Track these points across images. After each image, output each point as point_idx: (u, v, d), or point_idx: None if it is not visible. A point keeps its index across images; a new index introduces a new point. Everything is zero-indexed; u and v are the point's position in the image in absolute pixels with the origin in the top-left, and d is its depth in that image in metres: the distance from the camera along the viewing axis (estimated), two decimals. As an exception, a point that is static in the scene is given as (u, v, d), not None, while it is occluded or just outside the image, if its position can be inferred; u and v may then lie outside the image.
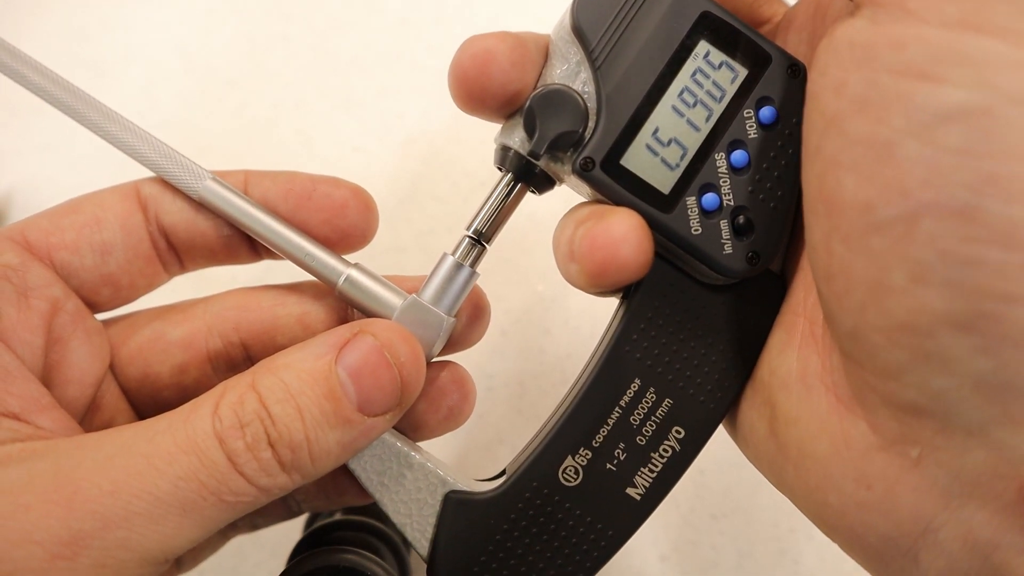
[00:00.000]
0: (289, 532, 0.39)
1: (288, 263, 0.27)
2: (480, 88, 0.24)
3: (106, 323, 0.28)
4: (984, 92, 0.18)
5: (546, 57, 0.25)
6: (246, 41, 0.51)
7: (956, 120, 0.18)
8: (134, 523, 0.20)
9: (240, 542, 0.40)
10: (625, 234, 0.23)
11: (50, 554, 0.20)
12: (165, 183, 0.27)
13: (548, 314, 0.45)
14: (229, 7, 0.52)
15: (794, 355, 0.23)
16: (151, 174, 0.27)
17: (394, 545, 0.35)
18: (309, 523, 0.38)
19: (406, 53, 0.50)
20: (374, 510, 0.37)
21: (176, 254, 0.28)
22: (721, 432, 0.41)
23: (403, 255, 0.45)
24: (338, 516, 0.36)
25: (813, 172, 0.21)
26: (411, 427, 0.27)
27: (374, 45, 0.51)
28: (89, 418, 0.27)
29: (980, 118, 0.18)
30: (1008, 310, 0.18)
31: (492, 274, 0.46)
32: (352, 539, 0.34)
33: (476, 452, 0.43)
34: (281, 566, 0.30)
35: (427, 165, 0.48)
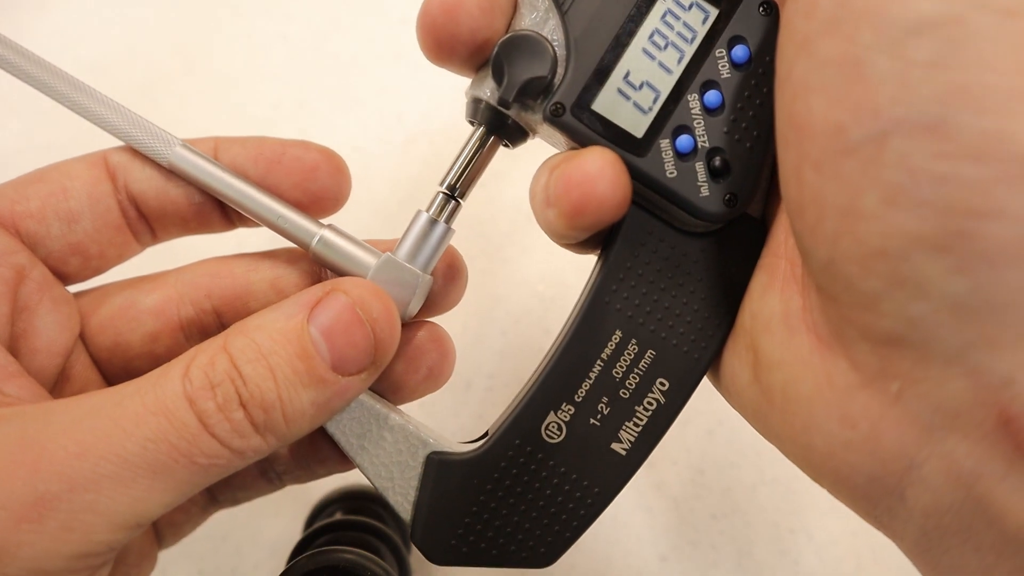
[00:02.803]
0: (289, 532, 0.40)
1: (270, 239, 0.26)
2: (449, 35, 0.23)
3: (77, 294, 0.28)
4: (954, 1, 0.17)
5: (515, 7, 0.24)
6: (246, 41, 0.51)
7: (926, 32, 0.17)
8: (102, 486, 0.20)
9: (240, 542, 0.40)
10: (601, 169, 0.23)
11: (15, 517, 0.20)
12: (135, 152, 0.26)
13: (548, 314, 0.45)
14: (229, 7, 0.52)
15: (776, 297, 0.23)
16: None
17: (394, 545, 0.35)
18: (309, 523, 0.38)
19: (406, 53, 0.50)
20: (374, 510, 0.37)
21: (147, 223, 0.27)
22: (721, 433, 0.42)
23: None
24: (338, 516, 0.36)
25: (784, 100, 0.21)
26: (391, 389, 0.27)
27: (374, 45, 0.51)
28: (59, 388, 0.27)
29: (950, 28, 0.17)
30: (982, 226, 0.17)
31: (492, 274, 0.46)
32: (352, 539, 0.34)
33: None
34: (281, 566, 0.30)
35: (427, 165, 0.48)
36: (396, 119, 0.49)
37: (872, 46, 0.18)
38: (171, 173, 0.26)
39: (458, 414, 0.43)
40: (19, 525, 0.20)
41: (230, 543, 0.40)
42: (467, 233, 0.46)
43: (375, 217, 0.46)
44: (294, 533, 0.38)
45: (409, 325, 0.27)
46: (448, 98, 0.49)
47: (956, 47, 0.17)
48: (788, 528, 0.42)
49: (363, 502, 0.37)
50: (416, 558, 0.38)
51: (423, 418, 0.43)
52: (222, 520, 0.31)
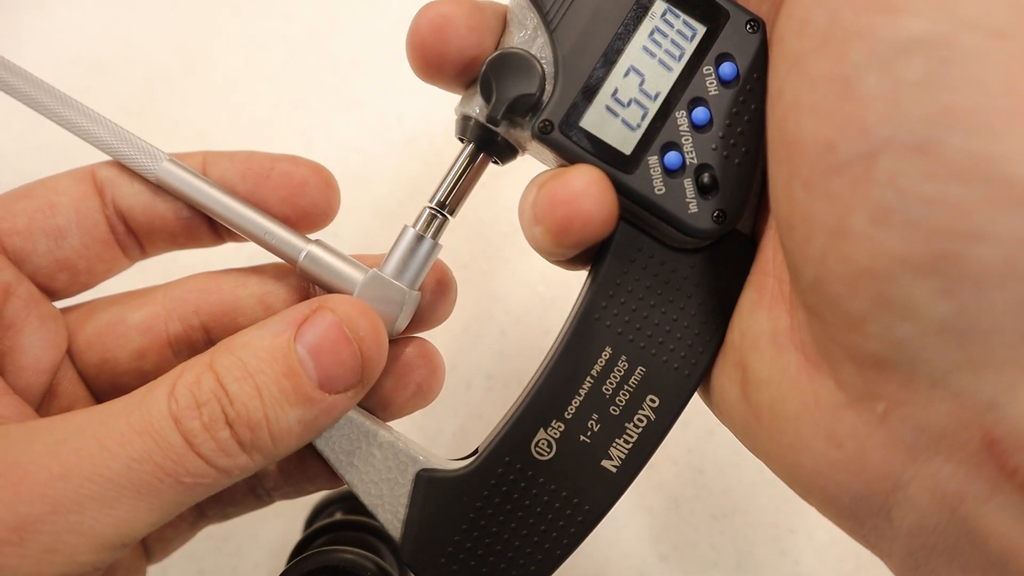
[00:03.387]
0: (289, 532, 0.40)
1: (261, 252, 0.26)
2: (437, 54, 0.23)
3: (65, 310, 0.28)
4: (943, 20, 0.17)
5: (504, 25, 0.24)
6: (246, 41, 0.51)
7: (915, 51, 0.17)
8: (86, 507, 0.20)
9: (240, 542, 0.40)
10: (586, 187, 0.23)
11: None
12: (122, 166, 0.26)
13: (548, 314, 0.45)
14: (229, 7, 0.52)
15: (764, 315, 0.23)
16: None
17: (394, 545, 0.35)
18: (309, 523, 0.38)
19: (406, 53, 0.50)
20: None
21: (136, 238, 0.27)
22: (721, 433, 0.41)
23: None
24: (338, 516, 0.36)
25: (775, 117, 0.21)
26: (379, 406, 0.27)
27: (374, 45, 0.51)
28: (46, 405, 0.26)
29: (939, 48, 0.17)
30: (968, 248, 0.17)
31: (492, 274, 0.46)
32: (352, 539, 0.34)
33: (476, 452, 0.43)
34: (281, 566, 0.30)
35: (427, 165, 0.48)
36: (396, 119, 0.49)
37: (862, 65, 0.18)
38: (159, 188, 0.26)
39: (458, 414, 0.43)
40: (1, 548, 0.19)
41: (231, 543, 0.40)
42: (467, 233, 0.46)
43: (375, 217, 0.46)
44: (294, 533, 0.38)
45: (397, 341, 0.27)
46: (448, 98, 0.49)
47: (946, 67, 0.17)
48: (788, 528, 0.42)
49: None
50: (416, 558, 0.38)
51: (422, 419, 0.43)
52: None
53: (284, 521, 0.40)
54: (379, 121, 0.49)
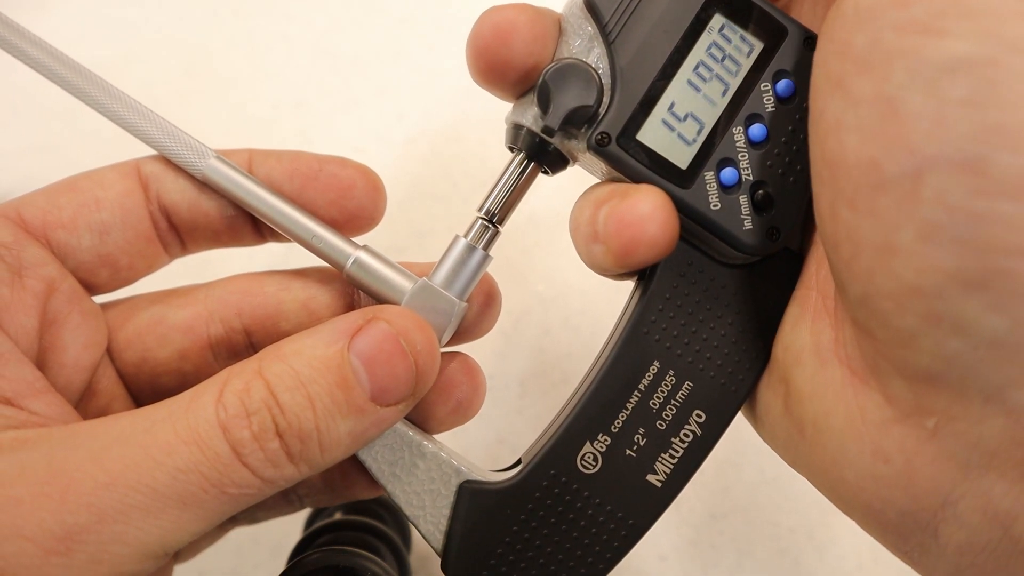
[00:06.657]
0: (289, 532, 0.39)
1: (301, 252, 0.26)
2: (501, 61, 0.23)
3: (105, 306, 0.27)
4: (988, 42, 0.17)
5: (559, 32, 0.24)
6: (246, 41, 0.51)
7: (960, 71, 0.17)
8: (131, 517, 0.20)
9: (240, 542, 0.40)
10: (652, 211, 0.23)
11: (43, 549, 0.19)
12: (167, 161, 0.26)
13: (548, 314, 0.45)
14: (229, 7, 0.52)
15: (807, 329, 0.23)
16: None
17: (394, 545, 0.35)
18: (309, 523, 0.38)
19: (406, 53, 0.50)
20: (373, 510, 0.37)
21: (178, 235, 0.27)
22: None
23: (403, 255, 0.45)
24: (338, 516, 0.36)
25: (817, 137, 0.21)
26: (418, 420, 0.26)
27: (374, 45, 0.51)
28: (84, 403, 0.26)
29: (984, 68, 0.17)
30: (1020, 264, 0.17)
31: (492, 274, 0.46)
32: (352, 539, 0.34)
33: (476, 453, 0.43)
34: (281, 566, 0.30)
35: (427, 165, 0.48)
36: (396, 119, 0.49)
37: (907, 85, 0.18)
38: (204, 185, 0.26)
39: (458, 414, 0.43)
40: (48, 558, 0.19)
41: (230, 543, 0.40)
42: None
43: (375, 217, 0.46)
44: (294, 533, 0.38)
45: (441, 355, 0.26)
46: (448, 98, 0.49)
47: (991, 87, 0.17)
48: (788, 527, 0.42)
49: (363, 502, 0.37)
50: (416, 558, 0.38)
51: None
52: (223, 520, 0.31)
53: (284, 521, 0.40)
54: (379, 121, 0.49)
